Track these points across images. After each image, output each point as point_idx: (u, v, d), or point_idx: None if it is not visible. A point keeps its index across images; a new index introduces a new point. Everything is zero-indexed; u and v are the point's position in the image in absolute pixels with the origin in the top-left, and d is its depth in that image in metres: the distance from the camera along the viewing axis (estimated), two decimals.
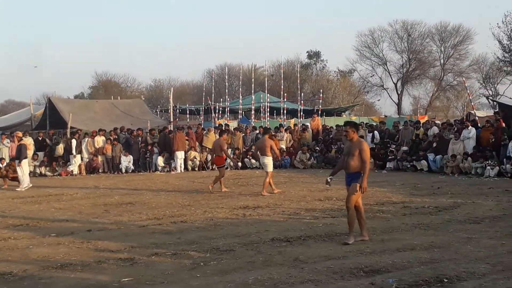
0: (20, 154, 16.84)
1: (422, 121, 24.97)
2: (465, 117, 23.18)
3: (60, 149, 22.49)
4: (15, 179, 17.61)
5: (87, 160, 22.48)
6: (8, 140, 22.08)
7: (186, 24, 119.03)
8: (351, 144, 8.53)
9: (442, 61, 61.66)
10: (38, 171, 21.81)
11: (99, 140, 22.69)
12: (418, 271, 6.42)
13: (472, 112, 23.95)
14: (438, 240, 8.08)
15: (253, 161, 22.43)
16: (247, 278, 6.27)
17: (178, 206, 12.11)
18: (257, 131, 24.36)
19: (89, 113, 30.82)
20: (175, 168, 22.17)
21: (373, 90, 66.08)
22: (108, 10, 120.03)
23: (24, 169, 16.95)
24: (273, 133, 19.56)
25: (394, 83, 63.71)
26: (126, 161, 22.45)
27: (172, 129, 25.42)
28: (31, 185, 16.90)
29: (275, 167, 19.64)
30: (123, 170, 22.29)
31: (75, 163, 22.07)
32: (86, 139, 22.87)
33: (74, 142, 22.29)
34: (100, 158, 22.59)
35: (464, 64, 61.25)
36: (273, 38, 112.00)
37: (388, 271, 6.46)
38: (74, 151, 22.15)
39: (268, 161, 14.21)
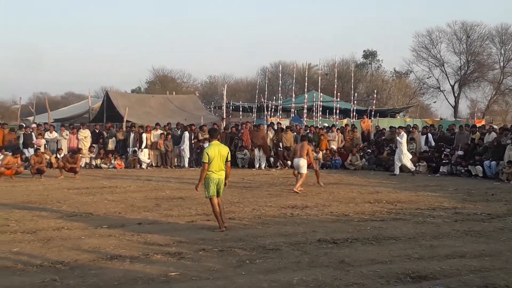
0: None
1: (478, 125, 24.33)
2: None
3: (111, 142, 22.98)
4: (72, 170, 18.16)
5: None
6: (67, 132, 22.76)
7: (242, 22, 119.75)
8: None
9: (501, 64, 59.79)
10: (94, 163, 22.38)
11: (155, 135, 23.07)
12: (466, 279, 6.29)
13: None
14: (489, 248, 7.88)
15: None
16: (291, 278, 6.29)
17: (227, 202, 12.14)
18: (308, 131, 24.26)
19: (145, 107, 31.42)
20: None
21: (429, 92, 64.76)
22: (168, 7, 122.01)
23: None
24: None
25: (451, 85, 62.25)
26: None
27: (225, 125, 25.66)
28: None
29: (326, 167, 22.49)
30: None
31: (144, 156, 22.51)
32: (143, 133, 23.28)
33: (144, 136, 22.66)
34: (154, 152, 22.99)
35: None
36: (329, 37, 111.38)
37: (436, 278, 6.36)
38: (143, 145, 22.50)
39: (304, 163, 15.02)
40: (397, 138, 20.15)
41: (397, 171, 20.04)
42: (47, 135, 22.35)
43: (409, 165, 20.00)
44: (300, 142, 16.39)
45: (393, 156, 21.91)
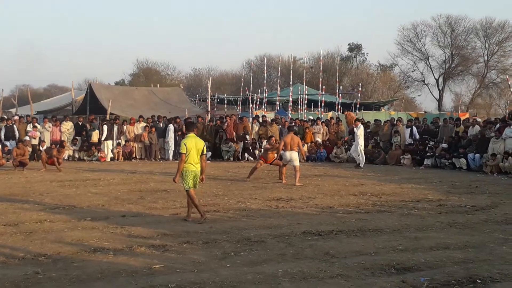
0: None
1: (462, 118, 24.49)
2: (507, 116, 22.57)
3: (95, 135, 22.78)
4: (56, 160, 17.97)
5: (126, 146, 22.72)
6: (50, 124, 22.53)
7: (227, 14, 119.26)
8: None
9: (485, 57, 60.09)
10: (77, 155, 22.21)
11: (139, 127, 22.95)
12: (450, 270, 6.31)
13: None
14: (473, 240, 7.92)
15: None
16: (276, 270, 6.26)
17: (212, 195, 12.17)
18: (293, 124, 24.23)
19: (129, 100, 31.25)
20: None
21: (414, 85, 64.96)
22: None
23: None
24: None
25: (435, 78, 62.56)
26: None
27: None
28: None
29: (311, 159, 22.83)
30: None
31: (104, 149, 22.31)
32: (125, 126, 23.14)
33: (105, 128, 22.48)
34: (138, 145, 22.89)
35: (509, 62, 59.41)
36: (314, 30, 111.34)
37: (420, 270, 6.37)
38: (103, 137, 22.32)
39: (297, 156, 14.90)
40: (354, 129, 20.14)
41: (362, 163, 19.86)
42: (29, 127, 22.09)
43: (360, 158, 19.88)
44: (287, 134, 15.98)
45: (378, 148, 22.01)
